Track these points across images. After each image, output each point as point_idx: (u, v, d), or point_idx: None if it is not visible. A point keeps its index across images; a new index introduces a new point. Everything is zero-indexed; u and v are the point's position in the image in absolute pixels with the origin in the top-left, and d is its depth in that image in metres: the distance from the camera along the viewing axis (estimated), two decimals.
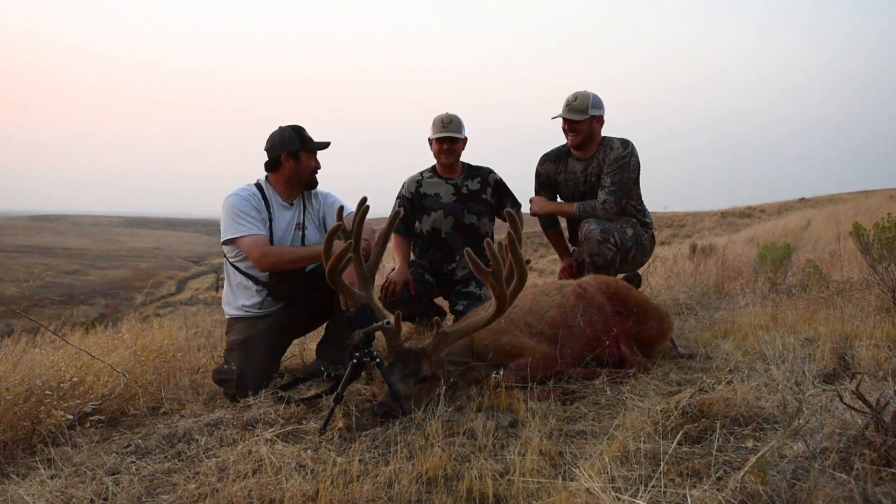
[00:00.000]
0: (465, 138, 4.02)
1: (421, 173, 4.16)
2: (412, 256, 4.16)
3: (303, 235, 3.26)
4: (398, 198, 4.13)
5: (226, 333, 3.22)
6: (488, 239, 2.39)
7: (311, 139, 3.21)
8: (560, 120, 3.99)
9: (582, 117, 3.87)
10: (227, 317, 3.21)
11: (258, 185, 3.21)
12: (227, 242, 3.09)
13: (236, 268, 3.15)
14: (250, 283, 3.12)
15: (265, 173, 3.25)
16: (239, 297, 3.15)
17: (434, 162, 4.14)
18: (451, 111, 3.96)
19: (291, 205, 3.25)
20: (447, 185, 4.06)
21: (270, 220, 3.14)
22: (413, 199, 4.08)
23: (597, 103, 3.92)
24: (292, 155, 3.16)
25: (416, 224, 4.08)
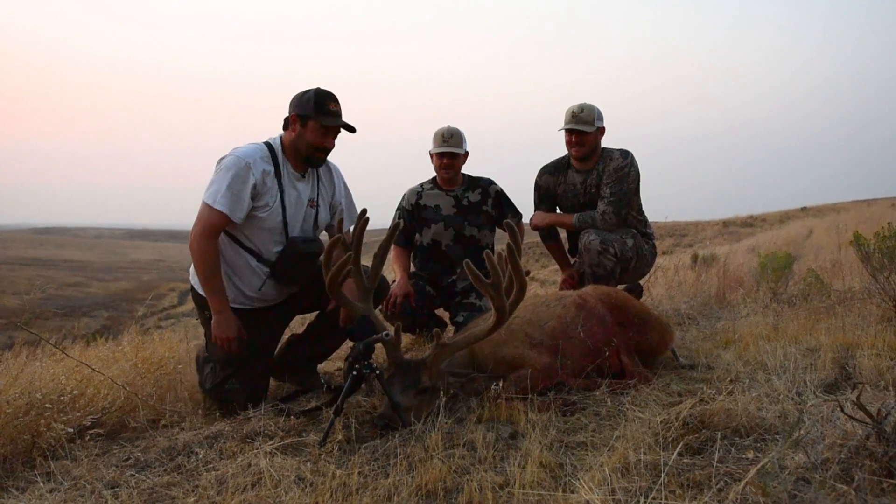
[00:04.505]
0: (466, 152, 4.03)
1: (421, 185, 4.16)
2: (412, 268, 4.16)
3: (316, 215, 2.96)
4: (398, 209, 4.14)
5: (201, 311, 2.91)
6: (487, 251, 2.39)
7: (331, 112, 2.78)
8: (563, 132, 3.99)
9: (590, 129, 3.87)
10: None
11: (271, 150, 2.80)
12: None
13: (240, 243, 2.80)
14: (253, 259, 2.81)
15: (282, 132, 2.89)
16: (235, 280, 2.85)
17: (434, 174, 4.15)
18: (453, 125, 3.96)
19: (304, 176, 2.90)
20: (447, 197, 4.06)
21: (281, 191, 2.78)
22: (413, 211, 4.09)
23: (600, 115, 3.93)
24: (300, 119, 2.78)
25: (417, 236, 4.09)
